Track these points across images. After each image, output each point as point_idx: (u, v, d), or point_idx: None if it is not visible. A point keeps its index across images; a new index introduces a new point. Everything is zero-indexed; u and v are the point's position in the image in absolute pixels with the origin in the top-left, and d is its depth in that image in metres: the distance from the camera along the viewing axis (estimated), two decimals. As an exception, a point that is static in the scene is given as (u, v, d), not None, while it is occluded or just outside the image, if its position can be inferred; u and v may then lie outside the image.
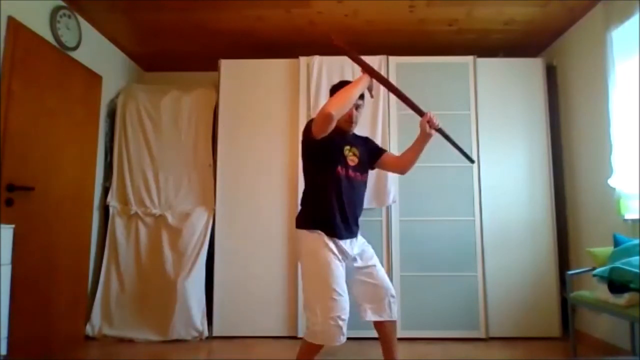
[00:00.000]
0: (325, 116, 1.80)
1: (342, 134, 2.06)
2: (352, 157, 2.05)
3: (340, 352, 2.78)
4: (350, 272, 2.05)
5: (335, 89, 2.04)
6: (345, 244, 1.98)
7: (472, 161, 2.22)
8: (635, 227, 2.54)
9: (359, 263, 2.04)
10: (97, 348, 3.00)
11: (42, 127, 2.74)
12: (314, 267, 1.93)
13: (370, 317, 2.03)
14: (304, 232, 1.97)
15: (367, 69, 1.93)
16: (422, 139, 2.06)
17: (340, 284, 1.89)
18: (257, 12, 3.12)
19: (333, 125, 1.84)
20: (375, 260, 2.08)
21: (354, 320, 2.90)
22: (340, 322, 1.84)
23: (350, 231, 2.00)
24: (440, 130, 2.05)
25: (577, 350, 2.70)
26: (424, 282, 3.17)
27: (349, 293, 1.98)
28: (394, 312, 2.03)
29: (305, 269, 1.97)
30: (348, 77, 3.12)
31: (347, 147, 2.04)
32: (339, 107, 1.82)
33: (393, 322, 2.05)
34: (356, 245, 2.04)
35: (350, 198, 2.00)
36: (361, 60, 1.95)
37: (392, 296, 2.03)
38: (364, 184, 2.11)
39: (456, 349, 2.94)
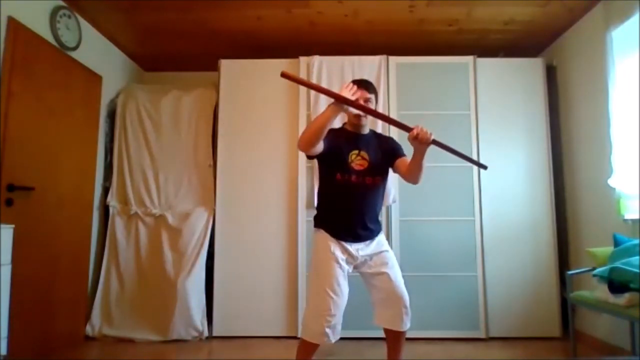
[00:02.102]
0: (301, 150, 1.91)
1: (353, 136, 2.04)
2: (359, 161, 2.00)
3: (340, 352, 2.79)
4: (365, 278, 2.06)
5: None
6: (351, 246, 1.98)
7: (484, 167, 2.10)
8: (635, 227, 2.54)
9: (371, 269, 2.01)
10: (97, 348, 3.00)
11: (42, 127, 2.74)
12: (314, 264, 2.02)
13: (384, 324, 2.03)
14: (314, 230, 2.07)
15: (333, 96, 1.82)
16: (417, 153, 1.89)
17: (333, 286, 1.90)
18: (257, 12, 3.12)
19: (315, 149, 1.88)
20: (389, 268, 2.00)
21: (354, 320, 2.89)
22: (325, 322, 1.86)
23: (354, 235, 1.98)
24: (435, 142, 1.84)
25: (577, 350, 2.70)
26: (424, 282, 3.17)
27: (369, 296, 2.06)
28: (405, 323, 1.99)
29: (311, 265, 2.09)
30: (348, 78, 3.13)
31: (355, 152, 2.00)
32: (308, 141, 1.84)
33: (403, 332, 2.03)
34: (368, 248, 2.01)
35: (353, 203, 1.98)
36: (323, 88, 1.92)
37: (405, 307, 1.98)
38: (375, 187, 2.03)
39: (456, 349, 2.94)
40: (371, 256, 2.01)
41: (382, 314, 2.02)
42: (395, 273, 2.01)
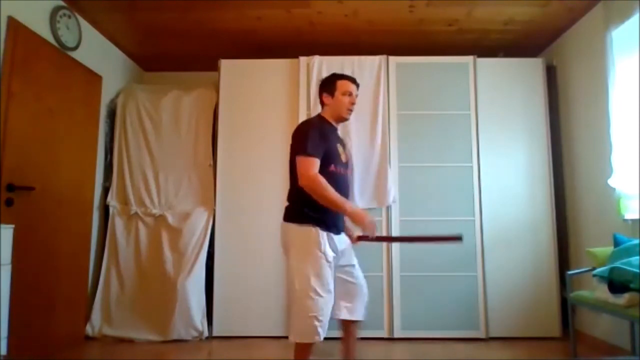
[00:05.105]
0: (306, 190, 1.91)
1: (335, 130, 2.11)
2: (343, 154, 2.08)
3: (338, 351, 2.78)
4: (336, 270, 2.04)
5: (325, 82, 2.11)
6: (338, 239, 2.00)
7: (459, 240, 2.15)
8: (635, 227, 2.54)
9: (341, 261, 2.04)
10: (97, 348, 3.00)
11: (42, 127, 2.74)
12: (303, 264, 1.90)
13: (345, 315, 2.04)
14: (293, 226, 1.96)
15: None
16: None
17: (325, 286, 1.89)
18: (257, 12, 3.12)
19: None
20: (354, 260, 2.11)
21: (354, 320, 2.87)
22: (317, 323, 1.84)
23: (341, 226, 2.05)
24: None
25: (577, 350, 2.70)
26: (424, 282, 3.17)
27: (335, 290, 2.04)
28: (363, 312, 2.07)
29: (291, 263, 1.94)
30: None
31: (340, 146, 2.08)
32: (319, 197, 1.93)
33: (359, 322, 2.09)
34: (343, 241, 2.06)
35: (341, 194, 1.99)
36: None
37: (365, 295, 2.08)
38: (350, 178, 2.15)
39: (456, 349, 2.94)
40: (343, 250, 2.04)
41: (346, 306, 2.03)
42: (358, 266, 2.12)
